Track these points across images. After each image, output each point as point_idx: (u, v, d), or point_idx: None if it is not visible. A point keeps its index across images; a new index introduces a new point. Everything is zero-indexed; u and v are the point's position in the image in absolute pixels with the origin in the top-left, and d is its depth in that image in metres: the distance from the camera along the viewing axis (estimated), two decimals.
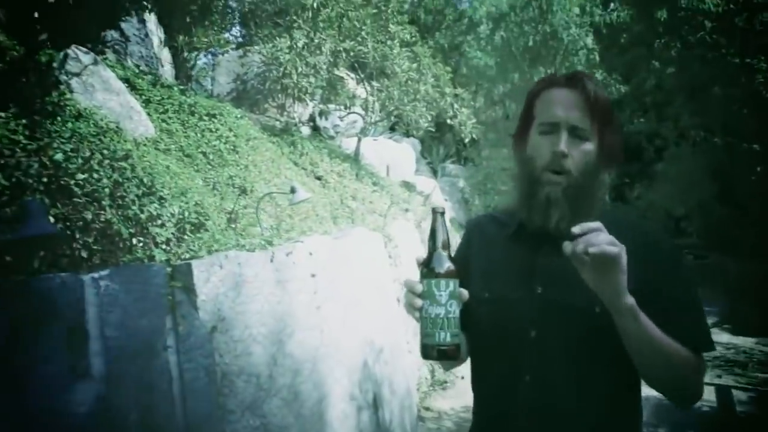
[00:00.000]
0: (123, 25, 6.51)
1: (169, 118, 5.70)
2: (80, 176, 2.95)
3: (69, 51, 4.76)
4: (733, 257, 12.08)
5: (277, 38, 10.20)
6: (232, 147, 5.92)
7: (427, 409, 5.58)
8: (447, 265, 1.21)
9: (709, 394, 5.05)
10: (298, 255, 3.50)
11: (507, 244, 1.41)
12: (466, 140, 9.95)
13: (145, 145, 4.84)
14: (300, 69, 8.46)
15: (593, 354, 1.29)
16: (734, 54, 12.42)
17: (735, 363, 7.71)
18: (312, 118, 11.86)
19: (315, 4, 8.23)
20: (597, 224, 1.15)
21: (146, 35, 8.55)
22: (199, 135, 5.73)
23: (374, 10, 9.22)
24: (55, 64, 4.60)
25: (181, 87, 6.72)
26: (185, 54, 8.83)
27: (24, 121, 3.19)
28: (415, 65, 8.82)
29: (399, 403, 4.78)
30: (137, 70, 6.66)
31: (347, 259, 4.25)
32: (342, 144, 11.18)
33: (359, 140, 10.06)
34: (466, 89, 14.37)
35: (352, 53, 8.78)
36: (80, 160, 3.12)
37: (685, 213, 14.94)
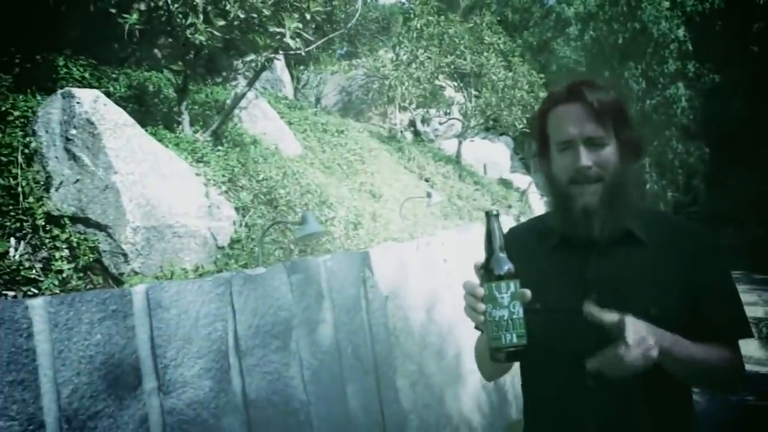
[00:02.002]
0: None
1: (308, 136, 6.87)
2: (281, 191, 4.09)
3: (238, 89, 6.01)
4: None
5: (378, 51, 11.30)
6: (359, 158, 7.03)
7: None
8: (506, 266, 1.22)
9: None
10: (434, 245, 4.51)
11: (552, 255, 1.43)
12: None
13: (297, 161, 6.00)
14: (406, 83, 9.46)
15: None
16: None
17: None
18: (412, 123, 12.90)
19: (419, 25, 9.24)
20: (617, 354, 1.19)
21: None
22: (332, 149, 6.87)
23: (470, 24, 10.14)
24: (228, 100, 5.87)
25: (314, 110, 7.91)
26: (304, 76, 10.12)
27: (235, 151, 4.39)
28: (510, 74, 9.63)
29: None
30: (275, 96, 7.92)
31: (468, 248, 5.22)
32: (441, 146, 12.14)
33: (460, 143, 10.95)
34: (557, 85, 14.89)
35: (452, 66, 9.70)
36: (277, 177, 4.27)
37: None
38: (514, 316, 1.20)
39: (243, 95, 4.52)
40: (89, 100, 2.88)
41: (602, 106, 1.33)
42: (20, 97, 3.59)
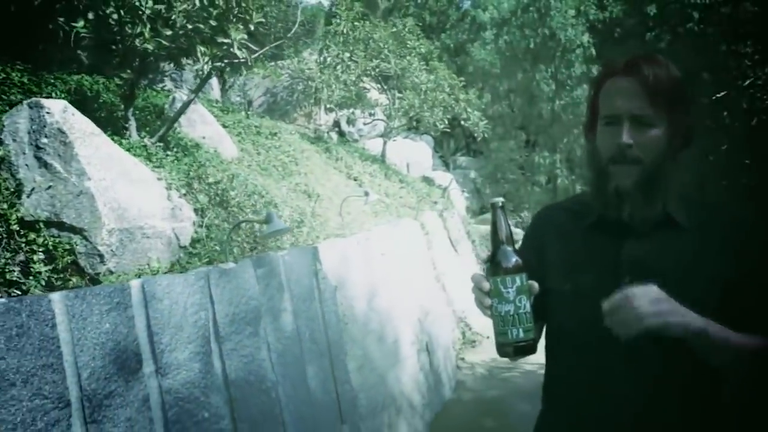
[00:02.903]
0: None
1: (243, 139, 7.08)
2: (231, 193, 4.35)
3: (176, 95, 6.15)
4: None
5: (303, 53, 11.56)
6: (293, 159, 7.30)
7: (462, 359, 6.99)
8: (513, 260, 1.19)
9: None
10: (373, 240, 4.90)
11: (586, 235, 1.37)
12: (478, 139, 11.30)
13: (235, 164, 6.22)
14: (332, 86, 9.79)
15: (685, 343, 1.22)
16: (721, 41, 13.71)
17: None
18: (337, 124, 13.25)
19: (345, 29, 9.59)
20: (626, 297, 1.15)
21: None
22: (267, 152, 7.10)
23: (394, 29, 10.61)
24: (167, 105, 6.01)
25: (246, 113, 8.10)
26: (231, 79, 10.23)
27: (184, 155, 4.59)
28: (432, 77, 10.17)
29: (443, 353, 6.18)
30: (206, 100, 8.05)
31: (401, 242, 5.65)
32: (366, 146, 12.56)
33: (384, 143, 11.40)
34: (474, 86, 15.69)
35: (377, 69, 10.12)
36: (225, 180, 4.52)
37: None
38: (521, 311, 1.17)
39: (190, 102, 4.73)
40: (59, 110, 3.06)
41: (658, 83, 1.24)
42: None
